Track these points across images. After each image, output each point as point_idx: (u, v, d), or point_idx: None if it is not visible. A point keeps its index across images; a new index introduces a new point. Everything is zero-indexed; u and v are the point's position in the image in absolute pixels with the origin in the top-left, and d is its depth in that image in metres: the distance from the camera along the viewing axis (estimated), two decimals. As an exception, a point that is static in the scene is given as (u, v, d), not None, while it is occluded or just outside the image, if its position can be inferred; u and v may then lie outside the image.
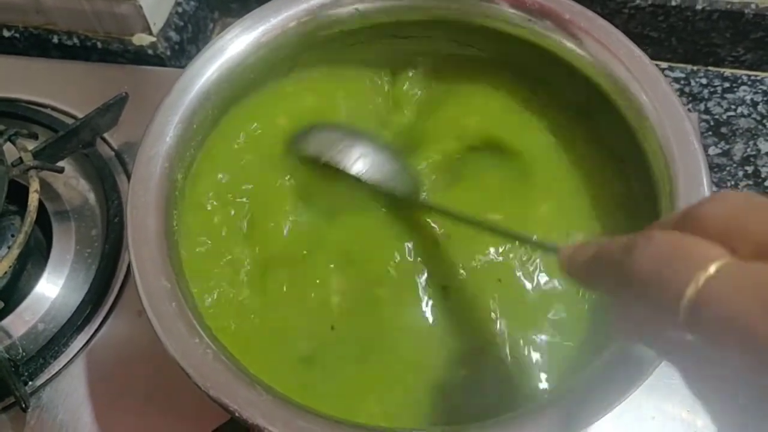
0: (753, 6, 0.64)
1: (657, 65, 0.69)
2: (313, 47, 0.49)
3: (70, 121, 0.61)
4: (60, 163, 0.56)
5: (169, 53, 0.68)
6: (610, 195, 0.45)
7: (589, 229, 0.45)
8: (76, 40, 0.69)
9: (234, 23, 0.44)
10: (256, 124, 0.50)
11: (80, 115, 0.58)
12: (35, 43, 0.70)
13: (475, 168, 0.48)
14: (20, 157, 0.53)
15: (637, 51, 0.42)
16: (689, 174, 0.38)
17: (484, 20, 0.47)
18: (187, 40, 0.71)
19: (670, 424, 0.45)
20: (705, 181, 0.38)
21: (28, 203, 0.50)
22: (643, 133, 0.41)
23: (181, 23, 0.70)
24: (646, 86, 0.41)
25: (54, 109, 0.63)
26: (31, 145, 0.55)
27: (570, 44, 0.44)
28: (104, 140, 0.60)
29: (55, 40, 0.69)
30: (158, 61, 0.68)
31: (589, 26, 0.43)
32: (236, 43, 0.44)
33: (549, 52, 0.45)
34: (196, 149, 0.45)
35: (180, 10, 0.70)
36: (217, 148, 0.48)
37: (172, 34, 0.69)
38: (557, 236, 0.44)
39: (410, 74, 0.53)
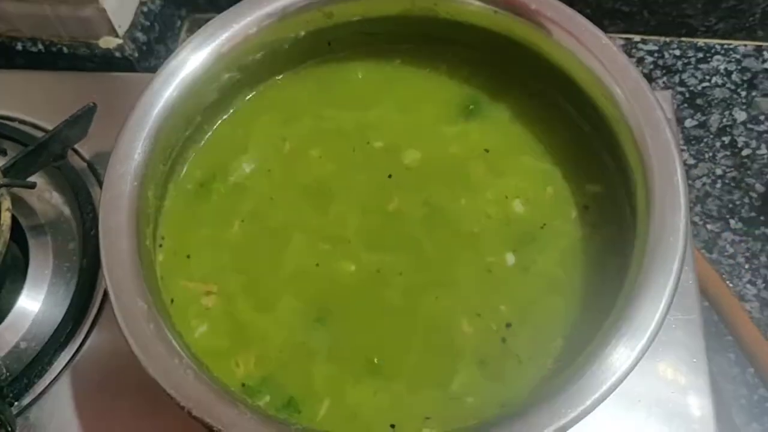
0: (723, -26, 0.63)
1: (630, 39, 0.69)
2: (280, 52, 0.48)
3: (39, 133, 0.59)
4: (32, 177, 0.55)
5: (137, 55, 0.67)
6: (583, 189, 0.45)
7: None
8: (41, 46, 0.67)
9: (194, 33, 0.44)
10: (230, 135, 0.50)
11: (50, 127, 0.57)
12: (-1, 51, 0.69)
13: None
14: (-11, 176, 0.52)
15: (605, 39, 0.41)
16: (662, 165, 0.38)
17: (451, 13, 0.46)
18: (154, 39, 0.70)
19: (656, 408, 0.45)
20: (678, 171, 0.37)
21: (1, 223, 0.49)
22: (616, 124, 0.40)
23: (148, 23, 0.68)
24: (616, 75, 0.40)
25: (22, 122, 0.61)
26: (0, 161, 0.54)
27: (538, 35, 0.43)
28: (75, 151, 0.59)
29: (19, 47, 0.68)
30: (127, 63, 0.67)
31: (555, 16, 0.42)
32: (198, 55, 0.43)
33: (517, 43, 0.45)
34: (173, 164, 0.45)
35: (145, 9, 0.68)
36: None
37: (139, 35, 0.67)
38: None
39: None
